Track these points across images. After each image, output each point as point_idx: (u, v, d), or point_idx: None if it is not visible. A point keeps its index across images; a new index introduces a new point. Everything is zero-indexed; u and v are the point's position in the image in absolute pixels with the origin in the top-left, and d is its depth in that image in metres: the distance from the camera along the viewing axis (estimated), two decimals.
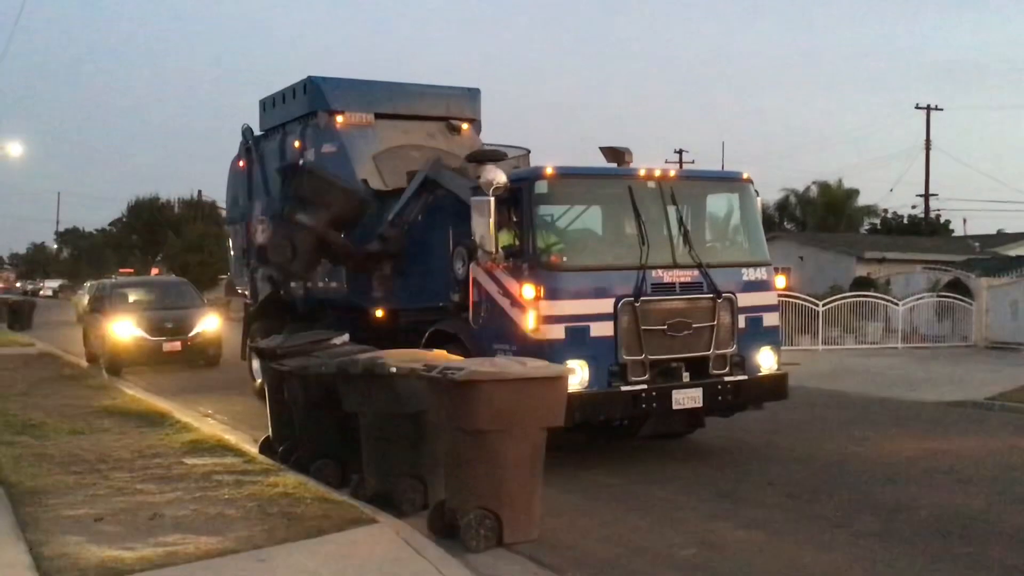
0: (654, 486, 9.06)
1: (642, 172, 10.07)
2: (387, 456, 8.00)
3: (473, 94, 14.15)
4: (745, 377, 9.95)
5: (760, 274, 10.33)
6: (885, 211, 50.18)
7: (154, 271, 49.84)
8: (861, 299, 25.22)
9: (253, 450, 10.12)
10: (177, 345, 19.49)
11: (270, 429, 10.03)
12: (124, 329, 19.15)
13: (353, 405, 8.25)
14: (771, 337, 10.36)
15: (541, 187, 9.58)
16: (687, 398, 9.56)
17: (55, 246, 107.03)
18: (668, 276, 9.65)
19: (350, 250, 12.40)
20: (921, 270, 29.69)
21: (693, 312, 9.67)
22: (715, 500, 8.59)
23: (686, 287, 9.72)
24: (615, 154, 10.37)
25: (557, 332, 9.16)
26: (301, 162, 13.14)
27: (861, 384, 17.15)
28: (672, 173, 10.67)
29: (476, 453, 6.77)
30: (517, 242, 9.63)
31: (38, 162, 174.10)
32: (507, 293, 9.53)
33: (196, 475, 8.74)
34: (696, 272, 9.78)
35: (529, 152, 13.54)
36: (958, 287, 25.79)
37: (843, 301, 24.81)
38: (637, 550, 7.09)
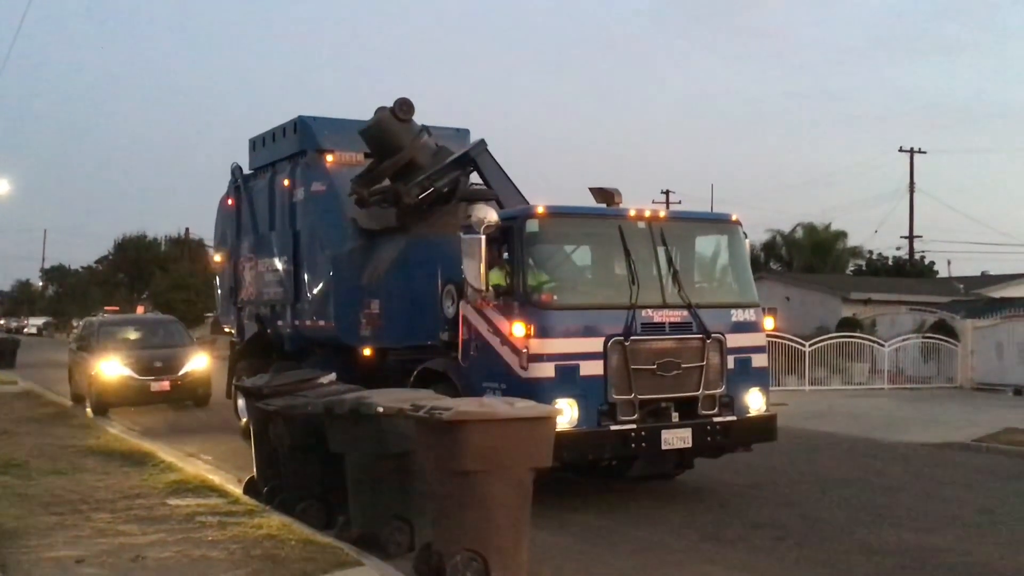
0: (643, 528, 8.98)
1: (632, 212, 10.11)
2: (373, 497, 7.91)
3: (462, 134, 14.19)
4: (734, 418, 9.92)
5: (749, 315, 10.33)
6: (870, 252, 50.42)
7: (139, 309, 49.55)
8: (847, 340, 25.33)
9: (237, 491, 9.99)
10: (166, 385, 19.06)
11: (255, 469, 9.92)
12: (111, 368, 18.78)
13: (339, 445, 8.17)
14: (760, 378, 10.34)
15: (532, 226, 9.60)
16: (676, 438, 9.52)
17: (40, 283, 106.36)
18: (658, 316, 9.65)
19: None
20: (907, 311, 29.84)
21: (682, 352, 9.66)
22: (704, 542, 8.52)
23: (675, 327, 9.71)
24: (604, 194, 10.43)
25: (547, 371, 9.12)
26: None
27: (849, 425, 17.13)
28: (662, 214, 10.75)
29: (463, 494, 6.69)
30: (507, 280, 9.61)
31: (24, 199, 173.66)
32: (497, 331, 9.50)
33: (179, 516, 8.62)
34: (685, 312, 9.77)
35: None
36: (943, 328, 25.91)
37: (830, 342, 24.91)
38: None
